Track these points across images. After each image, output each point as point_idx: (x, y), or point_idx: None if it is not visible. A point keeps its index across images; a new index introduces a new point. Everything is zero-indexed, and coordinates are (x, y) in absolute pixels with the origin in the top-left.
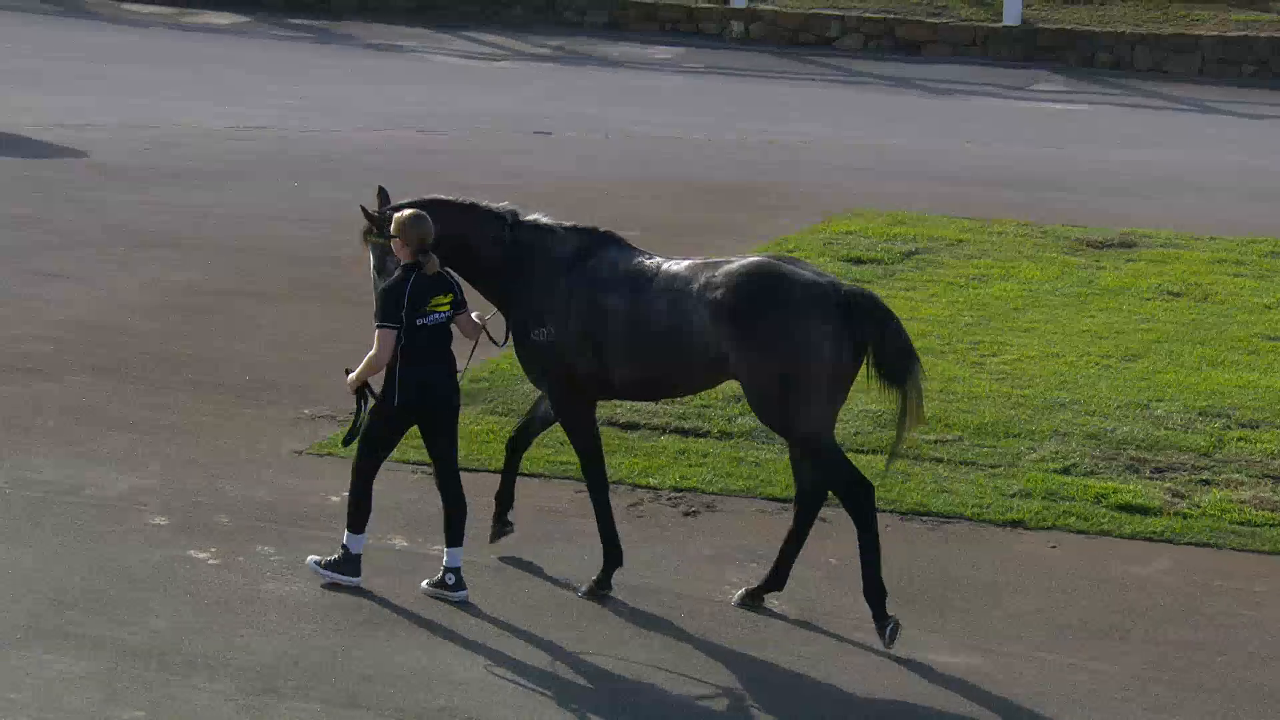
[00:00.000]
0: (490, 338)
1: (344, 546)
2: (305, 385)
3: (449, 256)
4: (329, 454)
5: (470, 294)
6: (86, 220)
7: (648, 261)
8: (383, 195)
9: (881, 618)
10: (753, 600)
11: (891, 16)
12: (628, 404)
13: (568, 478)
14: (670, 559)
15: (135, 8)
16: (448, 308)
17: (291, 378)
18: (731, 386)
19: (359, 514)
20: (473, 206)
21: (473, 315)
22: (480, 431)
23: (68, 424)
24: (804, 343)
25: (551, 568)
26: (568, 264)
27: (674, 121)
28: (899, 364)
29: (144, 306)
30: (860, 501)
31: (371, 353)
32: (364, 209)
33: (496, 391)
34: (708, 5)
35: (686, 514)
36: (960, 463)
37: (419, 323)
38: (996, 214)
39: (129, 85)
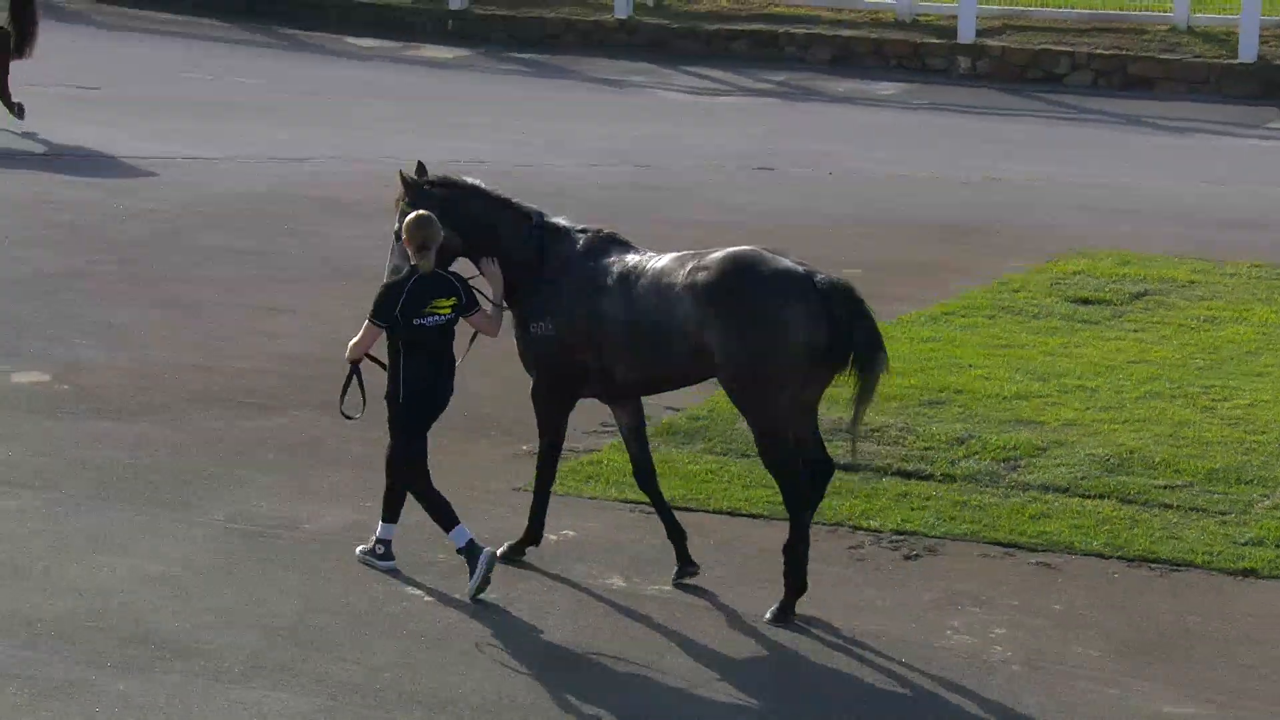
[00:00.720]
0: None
1: (462, 547)
2: (525, 421)
3: (477, 243)
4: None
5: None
6: (309, 254)
7: (642, 259)
8: (421, 169)
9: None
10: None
11: (1123, 53)
12: (848, 444)
13: (788, 519)
14: (890, 603)
15: (359, 42)
16: (448, 311)
17: (511, 413)
18: (954, 430)
19: (440, 512)
20: (507, 201)
21: (486, 308)
22: (699, 471)
23: (289, 459)
24: (779, 326)
25: (768, 608)
26: (574, 264)
27: (898, 158)
28: (868, 355)
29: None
30: (794, 484)
31: (354, 340)
32: (401, 174)
33: (715, 430)
34: (934, 41)
35: (907, 558)
36: (1190, 509)
37: (416, 323)
38: (1229, 255)
39: (351, 118)
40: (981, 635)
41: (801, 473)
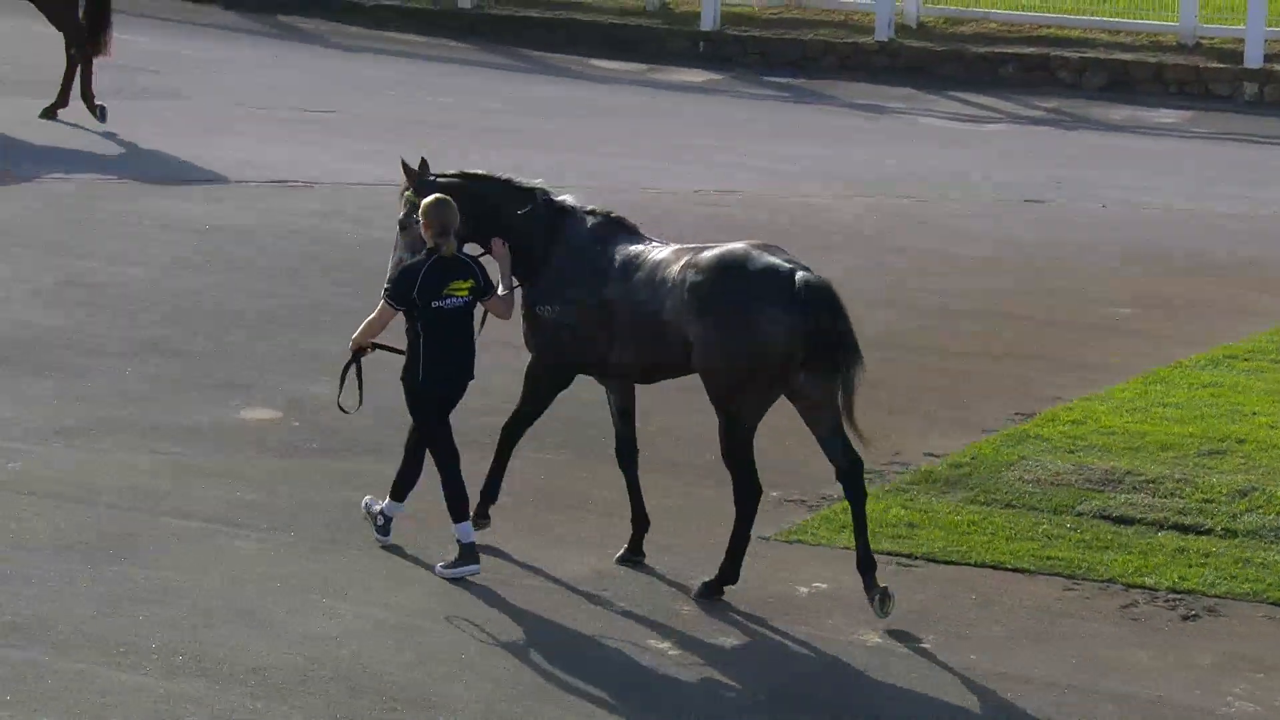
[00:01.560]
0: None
1: (464, 544)
2: (777, 467)
3: (483, 226)
4: (798, 541)
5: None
6: None
7: (645, 248)
8: (424, 165)
9: (706, 589)
10: (871, 597)
11: None
12: (1120, 495)
13: (1056, 574)
14: (1167, 666)
15: (604, 64)
16: (466, 293)
17: (763, 459)
18: (1236, 481)
19: (462, 500)
20: (508, 183)
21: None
22: (960, 523)
23: (530, 503)
24: (753, 325)
25: (1042, 669)
26: (580, 248)
27: (1177, 190)
28: (842, 356)
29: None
30: (746, 501)
31: (370, 318)
32: (403, 162)
33: (977, 479)
34: (1218, 66)
35: (1185, 618)
36: None
37: (434, 305)
38: None
39: (596, 144)
40: (1266, 704)
41: (756, 476)
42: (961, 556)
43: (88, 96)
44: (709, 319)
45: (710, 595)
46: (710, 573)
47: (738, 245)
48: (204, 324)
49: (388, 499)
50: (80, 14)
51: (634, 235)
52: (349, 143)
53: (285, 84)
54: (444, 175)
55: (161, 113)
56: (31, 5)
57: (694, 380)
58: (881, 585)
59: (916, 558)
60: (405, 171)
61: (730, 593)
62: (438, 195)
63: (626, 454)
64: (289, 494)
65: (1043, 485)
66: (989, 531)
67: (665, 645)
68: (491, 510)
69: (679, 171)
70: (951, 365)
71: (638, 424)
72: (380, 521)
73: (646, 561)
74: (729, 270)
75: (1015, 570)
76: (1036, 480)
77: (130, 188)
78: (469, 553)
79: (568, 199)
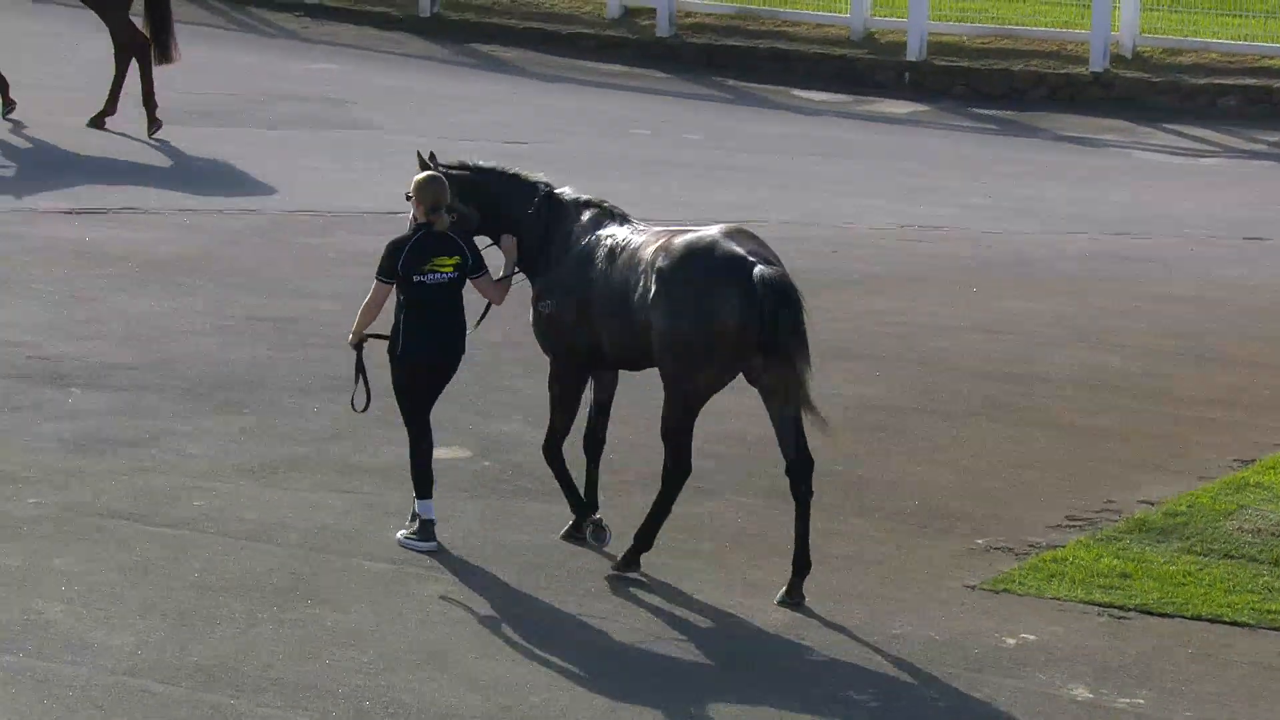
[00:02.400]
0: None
1: (419, 517)
2: (984, 514)
3: (490, 218)
4: (1005, 590)
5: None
6: None
7: (630, 236)
8: (432, 158)
9: (633, 550)
10: (791, 597)
11: None
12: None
13: (1277, 629)
14: None
15: (808, 95)
16: (451, 269)
17: (970, 506)
18: None
19: (424, 483)
20: (515, 176)
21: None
22: (1175, 573)
23: (728, 548)
24: (706, 309)
25: None
26: (574, 240)
27: None
28: (789, 344)
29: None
30: (673, 477)
31: (365, 301)
32: (419, 154)
33: (1194, 528)
34: None
35: None
36: None
37: (416, 279)
38: None
39: (801, 178)
40: None
41: (689, 456)
42: (1177, 609)
43: (149, 105)
44: (668, 301)
45: (628, 568)
46: (907, 623)
47: (708, 232)
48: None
49: (416, 501)
50: (142, 22)
51: (623, 223)
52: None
53: (481, 116)
54: (451, 167)
55: (351, 144)
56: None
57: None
58: (802, 594)
59: (1130, 609)
60: (420, 164)
61: (936, 644)
62: (428, 173)
63: (594, 444)
64: (480, 535)
65: (1263, 535)
66: (1206, 583)
67: (865, 696)
68: (683, 554)
69: (887, 206)
70: (1165, 410)
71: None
72: (417, 531)
73: (839, 612)
74: (692, 255)
75: (1234, 624)
76: (1256, 530)
77: (321, 220)
78: (427, 530)
79: (566, 191)
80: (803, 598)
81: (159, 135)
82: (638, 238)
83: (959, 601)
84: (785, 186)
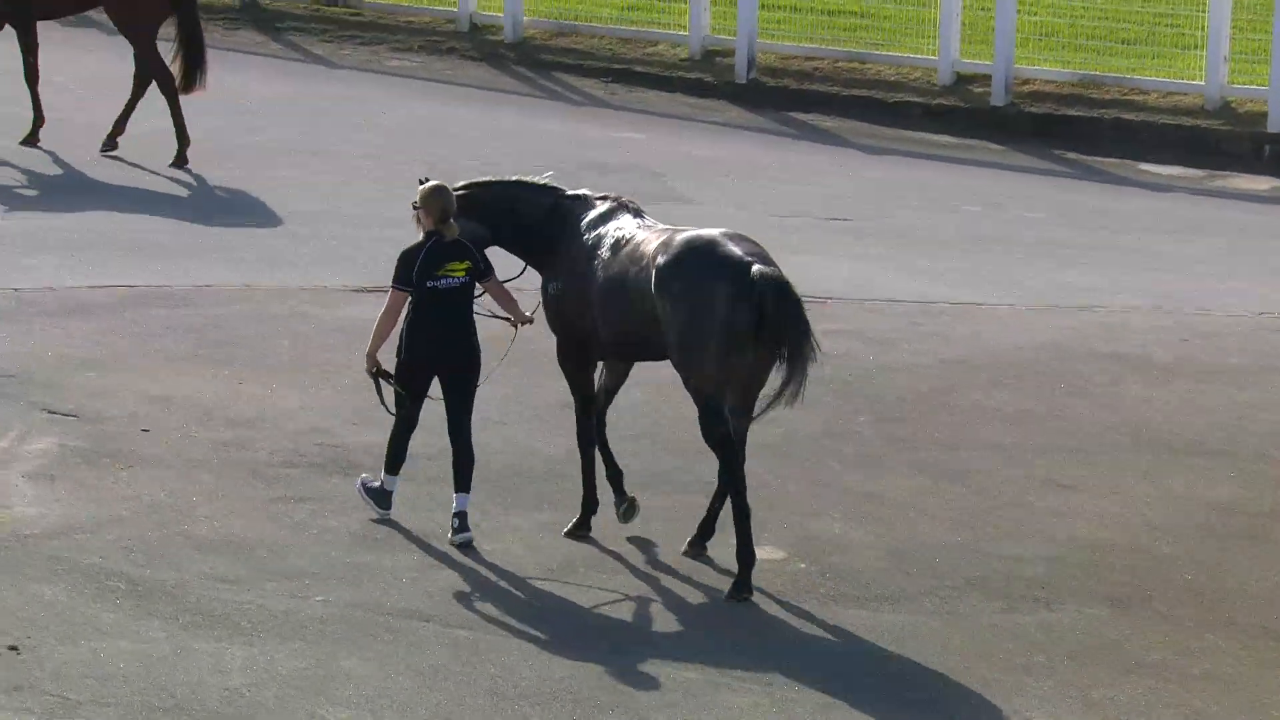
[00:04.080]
0: (524, 321)
1: (383, 487)
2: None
3: (502, 228)
4: None
5: None
6: (1103, 419)
7: (637, 229)
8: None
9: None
10: (693, 549)
11: None
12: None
13: None
14: None
15: (1155, 169)
16: (462, 273)
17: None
18: None
19: (395, 461)
20: (521, 183)
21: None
22: None
23: (1068, 663)
24: (707, 304)
25: None
26: (584, 230)
27: None
28: (792, 338)
29: (1170, 526)
30: (729, 458)
31: (382, 310)
32: (419, 180)
33: None
34: None
35: None
36: None
37: (429, 285)
38: None
39: (1151, 258)
40: None
41: (733, 445)
42: None
43: (182, 140)
44: (669, 297)
45: (742, 594)
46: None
47: (709, 231)
48: (709, 453)
49: (456, 494)
50: (174, 55)
51: (634, 215)
52: (870, 253)
53: (802, 188)
54: (462, 185)
55: (664, 218)
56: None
57: None
58: (708, 553)
59: None
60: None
61: None
62: (435, 183)
63: (596, 434)
64: (792, 643)
65: None
66: None
67: None
68: (1020, 669)
69: (1249, 291)
70: None
71: None
72: (457, 524)
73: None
74: (692, 252)
75: None
76: None
77: None
78: (384, 499)
79: (582, 190)
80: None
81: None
82: (643, 233)
83: None
84: (1132, 268)
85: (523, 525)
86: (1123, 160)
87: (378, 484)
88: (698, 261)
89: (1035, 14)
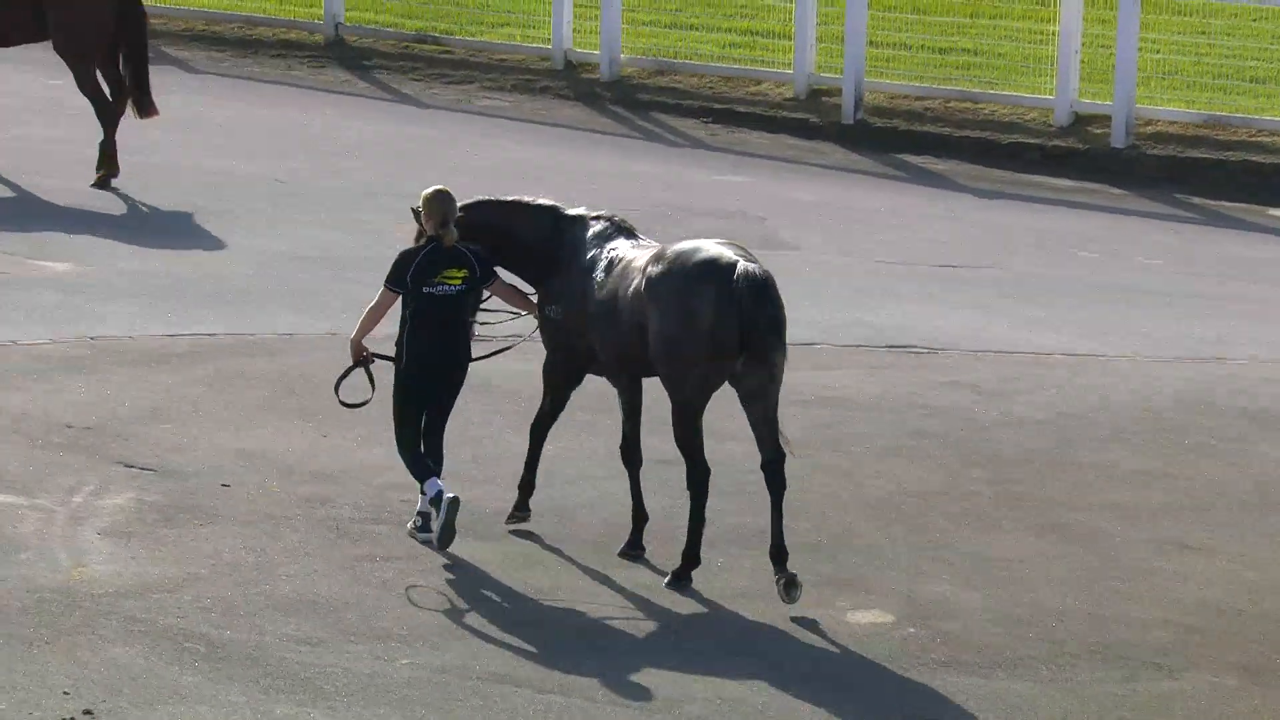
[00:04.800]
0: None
1: (423, 494)
2: None
3: (500, 247)
4: None
5: None
6: (1232, 478)
7: (634, 249)
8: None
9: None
10: (788, 593)
11: None
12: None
13: None
14: None
15: None
16: (459, 282)
17: None
18: None
19: (421, 470)
20: (518, 204)
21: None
22: None
23: None
24: (688, 311)
25: None
26: (582, 250)
27: None
28: (765, 341)
29: None
30: (696, 481)
31: (370, 304)
32: (414, 210)
33: None
34: None
35: None
36: None
37: (425, 291)
38: None
39: (1277, 309)
40: None
41: (703, 456)
42: None
43: (110, 163)
44: (656, 305)
45: (681, 582)
46: None
47: (698, 241)
48: (813, 509)
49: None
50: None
51: (630, 235)
52: (983, 302)
53: (913, 234)
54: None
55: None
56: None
57: None
58: (791, 572)
59: None
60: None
61: None
62: (437, 188)
63: (631, 455)
64: (904, 712)
65: None
66: None
67: None
68: None
69: None
70: None
71: None
72: (419, 523)
73: None
74: (677, 260)
75: None
76: None
77: None
78: (430, 516)
79: (579, 210)
80: (793, 579)
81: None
82: (636, 251)
83: None
84: (1262, 319)
85: (622, 583)
86: (1251, 205)
87: (419, 518)
88: (681, 268)
89: (1158, 52)
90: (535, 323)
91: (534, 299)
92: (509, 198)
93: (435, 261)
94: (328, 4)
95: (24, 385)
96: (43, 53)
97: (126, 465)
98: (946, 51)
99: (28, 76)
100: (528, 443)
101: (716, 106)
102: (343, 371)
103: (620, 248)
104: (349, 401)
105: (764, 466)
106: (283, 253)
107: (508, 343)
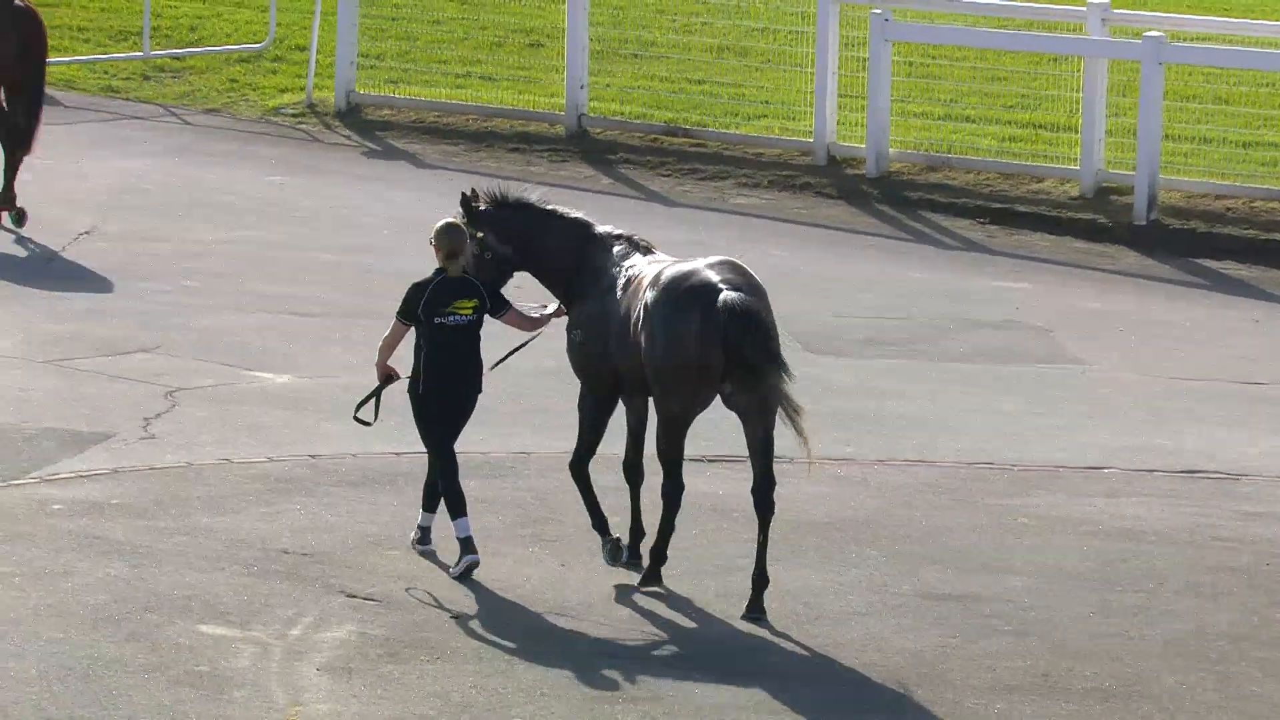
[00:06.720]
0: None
1: (461, 539)
2: None
3: (528, 254)
4: None
5: None
6: None
7: (646, 266)
8: (475, 194)
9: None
10: (750, 612)
11: None
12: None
13: None
14: None
15: None
16: (470, 311)
17: None
18: None
19: (456, 500)
20: (553, 213)
21: (532, 309)
22: None
23: None
24: (675, 336)
25: None
26: (603, 272)
27: None
28: (756, 366)
29: None
30: (671, 492)
31: (385, 335)
32: (463, 195)
33: None
34: None
35: None
36: None
37: (437, 321)
38: None
39: None
40: None
41: (681, 473)
42: None
43: (8, 199)
44: (648, 328)
45: (652, 582)
46: None
47: (695, 263)
48: (1103, 651)
49: (421, 512)
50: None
51: (646, 253)
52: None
53: (1216, 349)
54: (497, 205)
55: (1051, 381)
56: None
57: None
58: (761, 610)
59: None
60: (462, 203)
61: None
62: (447, 221)
63: (633, 474)
64: None
65: None
66: None
67: None
68: None
69: None
70: None
71: None
72: (418, 534)
73: None
74: (671, 284)
75: None
76: None
77: (1011, 477)
78: (467, 545)
79: (606, 228)
80: (763, 612)
81: None
82: (647, 269)
83: None
84: None
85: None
86: None
87: (418, 531)
88: (672, 293)
89: None
90: (539, 327)
91: (547, 312)
92: (548, 205)
93: (446, 293)
94: (570, 94)
95: (240, 508)
96: (268, 148)
97: (348, 595)
98: (1250, 146)
99: (246, 173)
100: (578, 490)
101: (994, 206)
102: (369, 392)
103: (636, 265)
104: (363, 419)
105: (753, 490)
106: (518, 368)
107: (520, 342)
